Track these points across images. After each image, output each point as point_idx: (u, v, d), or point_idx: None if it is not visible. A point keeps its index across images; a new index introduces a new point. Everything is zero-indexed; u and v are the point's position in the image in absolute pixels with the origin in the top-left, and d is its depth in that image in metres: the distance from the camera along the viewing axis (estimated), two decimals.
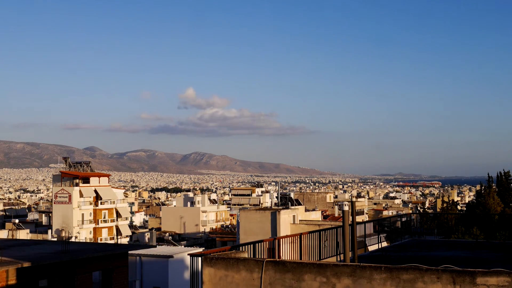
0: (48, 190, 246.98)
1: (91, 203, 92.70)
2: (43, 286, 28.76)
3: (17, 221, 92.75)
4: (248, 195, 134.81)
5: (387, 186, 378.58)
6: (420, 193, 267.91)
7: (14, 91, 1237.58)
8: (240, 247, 15.35)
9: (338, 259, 18.86)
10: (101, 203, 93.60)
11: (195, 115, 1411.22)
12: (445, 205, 50.89)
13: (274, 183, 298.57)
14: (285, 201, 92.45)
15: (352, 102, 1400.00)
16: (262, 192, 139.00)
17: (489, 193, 45.22)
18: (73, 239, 76.54)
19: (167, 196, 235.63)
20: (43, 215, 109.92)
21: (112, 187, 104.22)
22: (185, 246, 78.05)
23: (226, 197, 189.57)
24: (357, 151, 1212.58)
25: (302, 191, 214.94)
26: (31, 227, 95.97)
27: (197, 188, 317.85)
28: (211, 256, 12.95)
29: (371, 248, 22.54)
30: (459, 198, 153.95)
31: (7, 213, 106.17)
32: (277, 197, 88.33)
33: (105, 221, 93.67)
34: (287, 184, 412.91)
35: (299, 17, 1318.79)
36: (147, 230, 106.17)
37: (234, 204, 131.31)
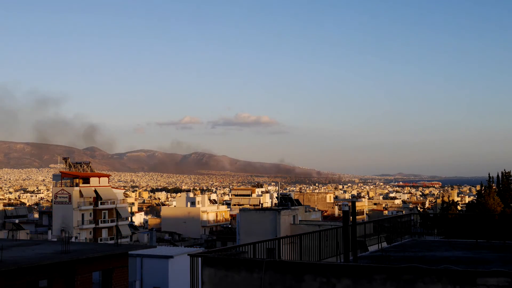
0: (48, 191, 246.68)
1: (91, 204, 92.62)
2: (43, 286, 28.76)
3: (17, 221, 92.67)
4: (248, 195, 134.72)
5: (387, 186, 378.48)
6: (420, 193, 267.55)
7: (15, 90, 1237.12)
8: (240, 247, 15.35)
9: (338, 259, 18.85)
10: (101, 204, 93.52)
11: (195, 116, 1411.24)
12: (445, 205, 51.00)
13: (274, 183, 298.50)
14: (285, 202, 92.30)
15: (352, 102, 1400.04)
16: (262, 192, 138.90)
17: (489, 193, 45.32)
18: (73, 240, 76.47)
19: (167, 196, 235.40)
20: (43, 215, 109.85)
21: (112, 187, 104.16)
22: (185, 246, 78.08)
23: (226, 197, 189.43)
24: (357, 151, 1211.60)
25: (302, 191, 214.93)
26: (31, 227, 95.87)
27: (197, 189, 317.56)
28: (211, 256, 12.96)
29: (371, 248, 22.53)
30: (459, 198, 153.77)
31: (7, 213, 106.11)
32: (277, 197, 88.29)
33: (105, 222, 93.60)
34: (287, 184, 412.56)
35: (296, 17, 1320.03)
36: (147, 230, 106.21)
37: (234, 204, 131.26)
